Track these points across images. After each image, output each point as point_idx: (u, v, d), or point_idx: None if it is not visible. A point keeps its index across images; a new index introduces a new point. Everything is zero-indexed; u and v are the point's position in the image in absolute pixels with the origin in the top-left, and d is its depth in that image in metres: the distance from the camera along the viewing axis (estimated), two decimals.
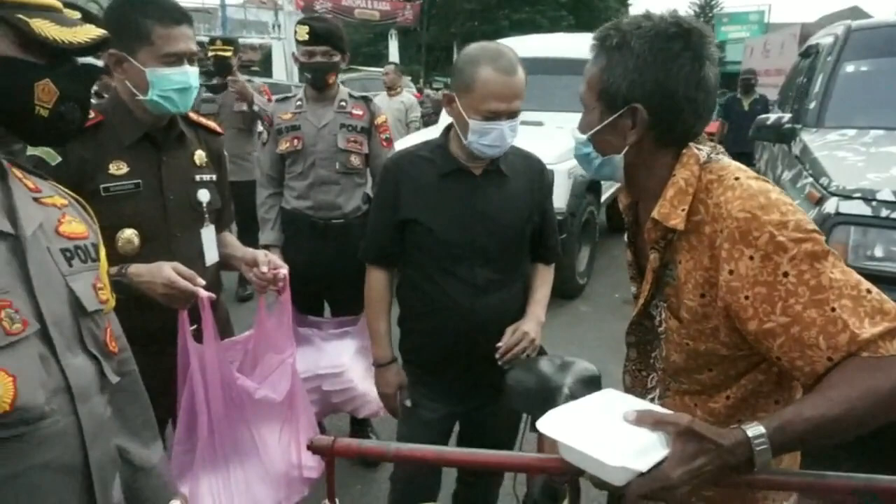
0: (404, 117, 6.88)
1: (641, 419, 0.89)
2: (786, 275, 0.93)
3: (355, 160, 2.70)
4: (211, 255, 1.76)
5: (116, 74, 1.59)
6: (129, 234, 1.58)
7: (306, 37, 2.61)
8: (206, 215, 1.74)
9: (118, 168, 1.58)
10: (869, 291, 0.92)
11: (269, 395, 1.72)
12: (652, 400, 1.22)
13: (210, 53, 4.59)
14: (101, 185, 1.55)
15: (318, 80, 2.67)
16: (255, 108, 4.38)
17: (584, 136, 1.13)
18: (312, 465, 1.80)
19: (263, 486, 1.72)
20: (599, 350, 4.08)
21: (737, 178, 1.01)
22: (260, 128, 5.59)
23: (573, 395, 1.42)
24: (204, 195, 1.73)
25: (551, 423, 0.92)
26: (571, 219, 4.65)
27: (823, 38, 4.21)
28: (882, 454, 2.75)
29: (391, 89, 7.01)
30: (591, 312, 4.82)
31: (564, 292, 4.96)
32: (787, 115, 3.77)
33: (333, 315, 2.87)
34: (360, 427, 2.99)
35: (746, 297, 0.96)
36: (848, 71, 3.56)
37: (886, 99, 3.44)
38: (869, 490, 0.86)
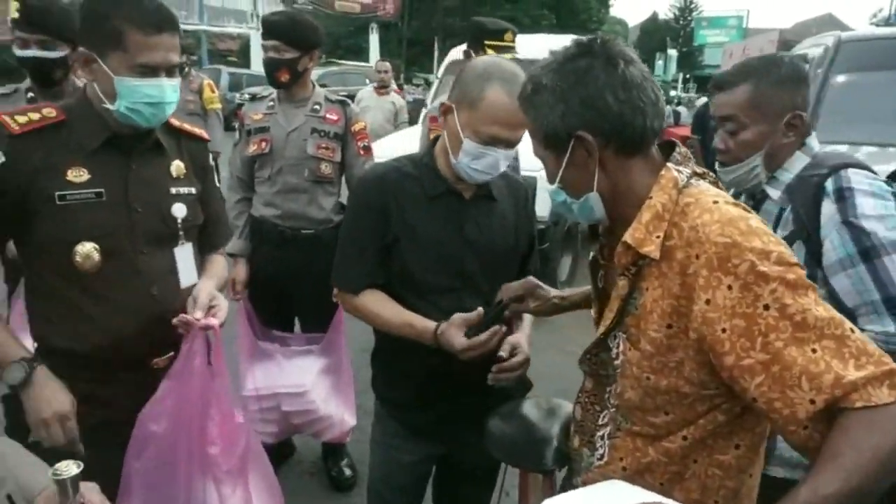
0: (394, 119, 6.58)
1: None
2: (766, 308, 0.87)
3: (326, 168, 2.52)
4: (187, 276, 1.58)
5: (85, 74, 1.44)
6: (88, 249, 1.41)
7: (262, 29, 2.48)
8: (182, 232, 1.57)
9: (78, 175, 1.41)
10: (853, 331, 0.88)
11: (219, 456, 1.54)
12: (602, 437, 1.14)
13: None
14: (57, 192, 1.39)
15: (269, 77, 2.50)
16: None
17: (554, 186, 1.10)
18: None
19: None
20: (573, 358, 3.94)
21: (715, 202, 0.97)
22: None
23: (561, 448, 1.29)
24: (179, 210, 1.56)
25: None
26: (554, 227, 4.53)
27: (811, 49, 4.12)
28: None
29: (383, 87, 6.69)
30: (572, 322, 4.66)
31: None
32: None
33: (303, 331, 2.71)
34: (332, 452, 2.82)
35: (724, 330, 0.90)
36: (839, 84, 3.47)
37: (879, 114, 3.34)
38: None
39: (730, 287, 0.89)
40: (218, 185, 2.53)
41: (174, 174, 1.57)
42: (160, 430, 1.46)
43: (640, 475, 1.06)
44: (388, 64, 6.86)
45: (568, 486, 1.27)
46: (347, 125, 2.55)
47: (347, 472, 2.78)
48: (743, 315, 0.88)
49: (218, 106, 5.81)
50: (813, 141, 1.57)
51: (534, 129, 1.08)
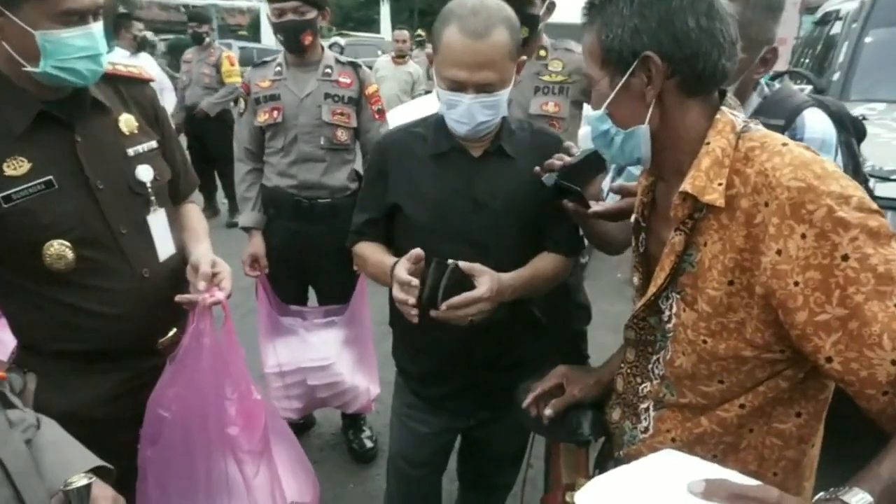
0: (410, 90, 6.46)
1: (713, 491, 0.70)
2: (845, 258, 0.79)
3: (342, 135, 2.42)
4: (164, 247, 1.41)
5: None
6: (57, 248, 1.23)
7: None
8: (153, 197, 1.38)
9: (16, 166, 1.19)
10: None
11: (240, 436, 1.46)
12: (646, 410, 1.07)
13: None
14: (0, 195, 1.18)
15: (290, 42, 2.36)
16: None
17: (600, 111, 0.98)
18: (306, 501, 1.60)
19: None
20: (601, 331, 3.87)
21: (784, 144, 0.88)
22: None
23: (601, 417, 1.23)
24: (145, 172, 1.36)
25: (593, 497, 0.72)
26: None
27: (845, 4, 3.95)
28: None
29: (400, 57, 6.57)
30: (591, 293, 4.61)
31: None
32: (808, 88, 3.53)
33: (320, 303, 2.66)
34: (352, 423, 2.80)
35: (796, 283, 0.82)
36: (875, 39, 3.31)
37: None
38: None
39: (803, 236, 0.81)
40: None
41: (126, 131, 1.36)
42: (171, 416, 1.39)
43: (691, 447, 1.00)
44: (406, 33, 6.75)
45: (608, 460, 1.21)
46: (361, 88, 2.46)
47: (368, 443, 2.75)
48: (818, 266, 0.80)
49: (238, 80, 5.66)
50: (763, 80, 1.51)
51: (593, 42, 0.96)
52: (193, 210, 1.63)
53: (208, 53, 5.59)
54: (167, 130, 1.51)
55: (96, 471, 1.01)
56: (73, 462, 1.00)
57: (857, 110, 3.03)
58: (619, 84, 0.93)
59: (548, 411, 1.25)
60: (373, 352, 2.60)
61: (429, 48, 6.33)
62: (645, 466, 0.77)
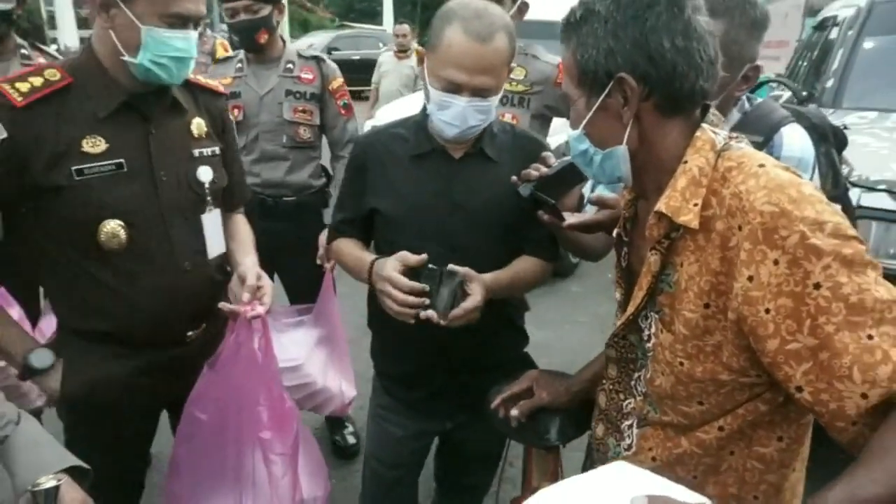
0: (412, 84, 6.40)
1: None
2: (817, 286, 0.77)
3: (305, 133, 2.40)
4: (215, 246, 1.50)
5: (99, 21, 1.28)
6: (112, 227, 1.31)
7: None
8: (209, 197, 1.46)
9: (94, 145, 1.29)
10: None
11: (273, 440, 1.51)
12: (629, 427, 1.06)
13: None
14: (74, 168, 1.27)
15: (246, 42, 2.33)
16: None
17: (577, 131, 0.99)
18: (318, 496, 1.64)
19: None
20: (592, 332, 3.92)
21: (761, 165, 0.86)
22: None
23: (569, 423, 1.23)
24: (205, 173, 1.46)
25: None
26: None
27: (843, 10, 3.94)
28: None
29: (402, 51, 6.52)
30: (582, 292, 4.64)
31: (556, 271, 4.75)
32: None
33: (290, 301, 2.63)
34: (334, 420, 2.78)
35: (767, 311, 0.80)
36: (870, 46, 3.31)
37: None
38: None
39: (776, 262, 0.79)
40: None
41: (195, 134, 1.46)
42: (206, 418, 1.46)
43: (671, 467, 0.99)
44: (406, 27, 6.66)
45: None
46: (324, 84, 2.41)
47: (351, 439, 2.75)
48: (790, 294, 0.78)
49: None
50: (743, 95, 1.51)
51: (570, 62, 0.95)
52: (242, 221, 1.71)
53: (201, 42, 5.60)
54: (231, 142, 1.60)
55: (72, 471, 1.02)
56: (49, 461, 1.01)
57: (848, 118, 3.03)
58: (596, 105, 0.93)
59: (514, 412, 1.27)
60: (346, 352, 2.55)
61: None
62: (595, 478, 0.77)
